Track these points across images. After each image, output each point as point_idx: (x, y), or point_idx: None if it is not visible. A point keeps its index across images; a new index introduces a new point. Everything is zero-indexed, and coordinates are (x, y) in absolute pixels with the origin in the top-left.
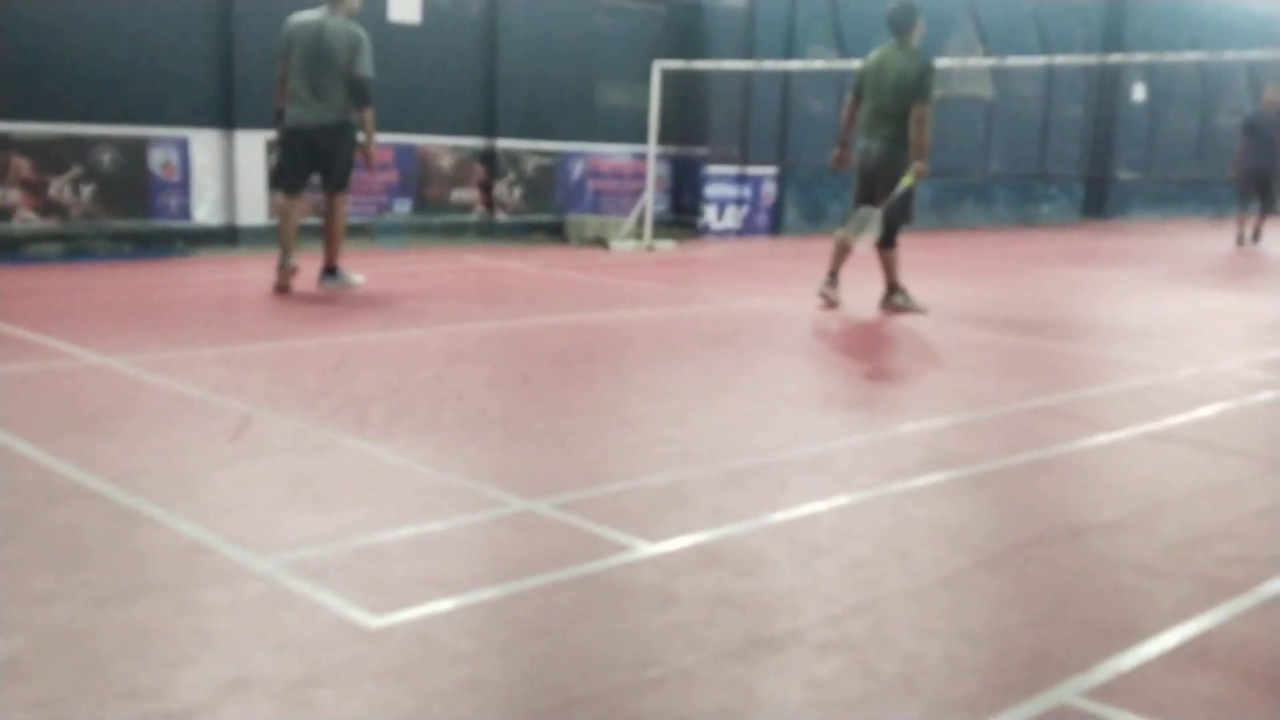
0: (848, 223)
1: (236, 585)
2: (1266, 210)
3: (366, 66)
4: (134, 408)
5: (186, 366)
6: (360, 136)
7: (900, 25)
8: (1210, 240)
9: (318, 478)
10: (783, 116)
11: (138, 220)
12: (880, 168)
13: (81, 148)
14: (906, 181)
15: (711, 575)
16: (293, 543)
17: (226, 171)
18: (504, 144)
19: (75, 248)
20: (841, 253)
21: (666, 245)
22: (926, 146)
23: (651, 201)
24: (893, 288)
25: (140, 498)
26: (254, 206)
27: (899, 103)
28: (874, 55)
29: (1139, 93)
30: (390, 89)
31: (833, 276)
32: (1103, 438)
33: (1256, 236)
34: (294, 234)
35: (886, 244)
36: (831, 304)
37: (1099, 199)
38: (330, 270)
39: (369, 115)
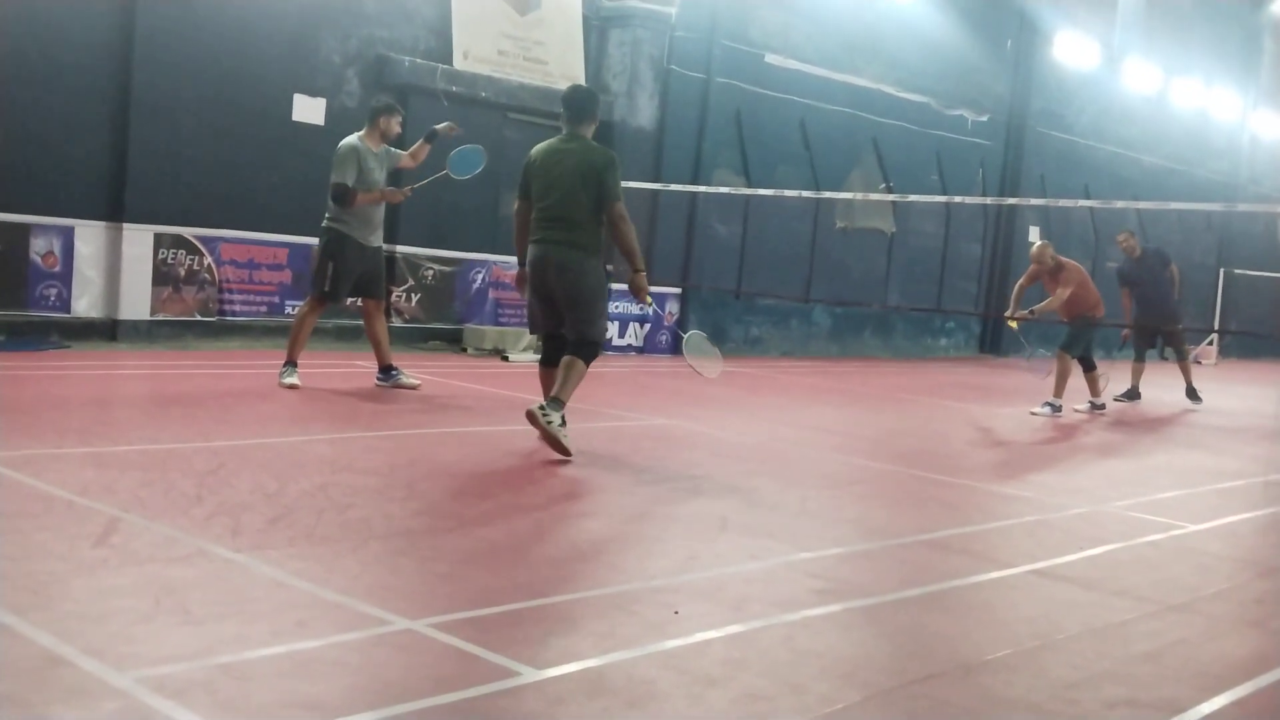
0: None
1: (92, 701)
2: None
3: (337, 173)
4: None
5: (53, 465)
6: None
7: (579, 111)
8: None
9: (184, 589)
10: (687, 238)
11: (13, 309)
12: (559, 276)
13: None
14: (646, 303)
15: (598, 704)
16: (154, 658)
17: (111, 264)
18: (404, 249)
19: None
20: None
21: None
22: (637, 250)
23: None
24: (557, 400)
25: None
26: (137, 302)
27: (576, 203)
28: (540, 149)
29: (1034, 235)
30: (290, 189)
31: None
32: (994, 574)
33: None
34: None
35: (579, 354)
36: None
37: (995, 336)
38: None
39: (363, 197)
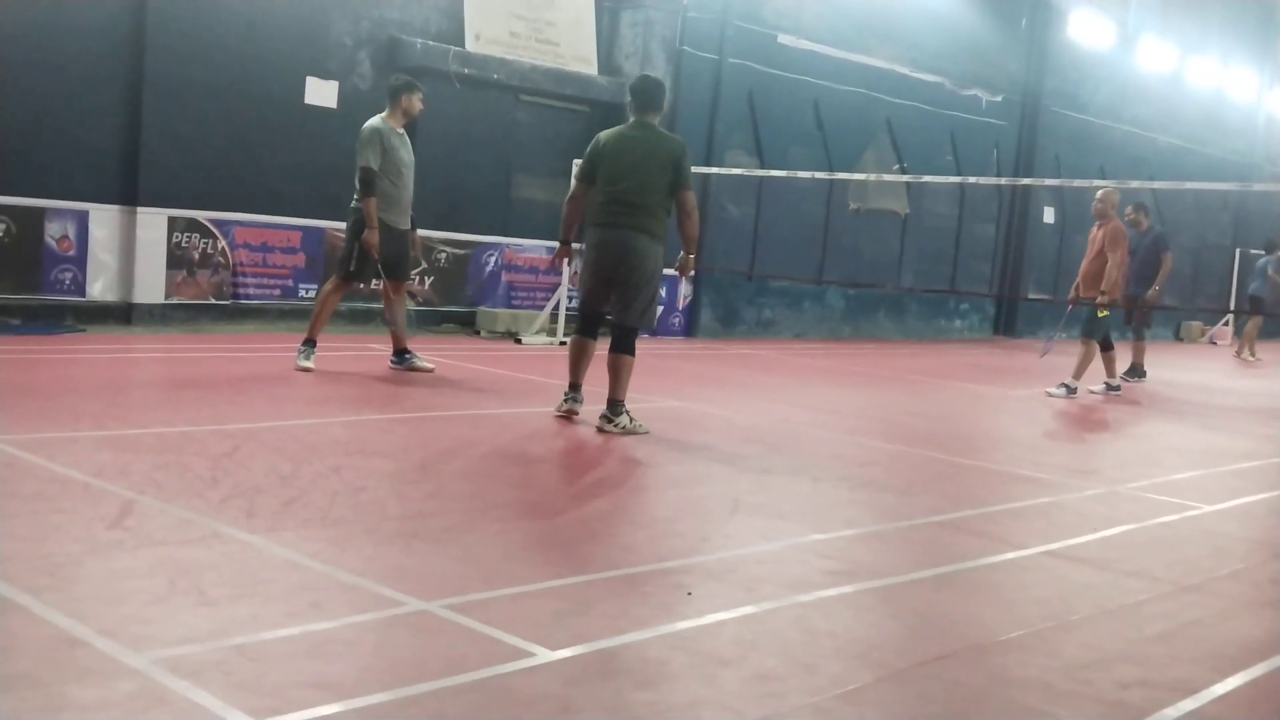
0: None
1: (108, 682)
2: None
3: (361, 156)
4: (7, 489)
5: (68, 448)
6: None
7: (647, 100)
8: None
9: (199, 570)
10: (700, 220)
11: (28, 293)
12: (624, 259)
13: None
14: (685, 286)
15: (612, 685)
16: (169, 639)
17: (126, 248)
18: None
19: None
20: (582, 358)
21: None
22: (696, 237)
23: (566, 297)
24: (616, 403)
25: (8, 584)
26: (151, 285)
27: (648, 189)
28: (609, 135)
29: (1048, 216)
30: (303, 172)
31: (575, 389)
32: (1007, 555)
33: (1135, 371)
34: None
35: (625, 349)
36: (572, 414)
37: (1009, 317)
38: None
39: (368, 205)
